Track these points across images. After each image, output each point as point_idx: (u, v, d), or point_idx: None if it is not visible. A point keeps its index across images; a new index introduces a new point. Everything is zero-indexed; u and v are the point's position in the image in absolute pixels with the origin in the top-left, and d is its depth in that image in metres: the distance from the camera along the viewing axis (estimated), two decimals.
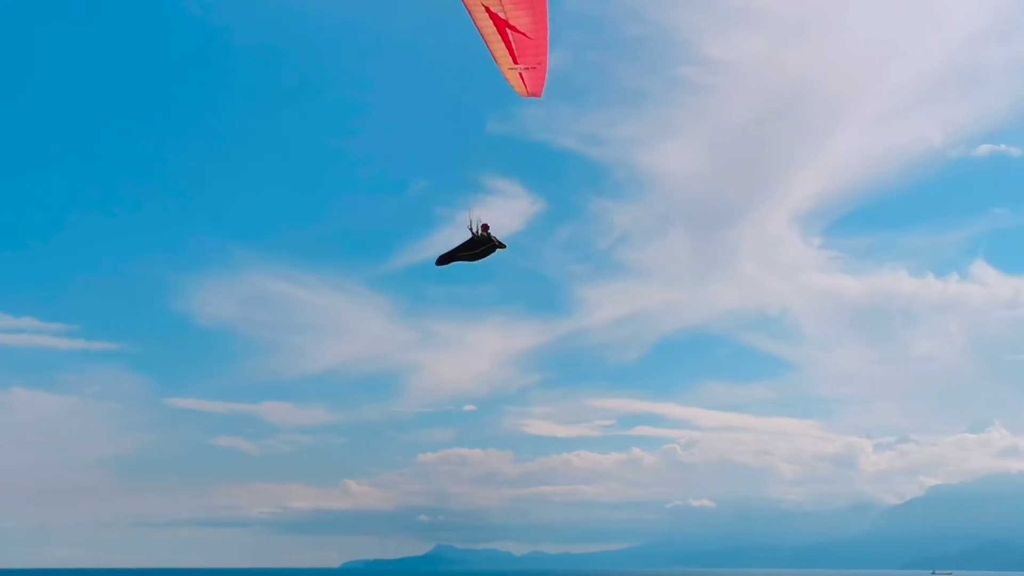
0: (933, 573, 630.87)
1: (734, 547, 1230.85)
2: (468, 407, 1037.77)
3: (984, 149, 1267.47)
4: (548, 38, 21.83)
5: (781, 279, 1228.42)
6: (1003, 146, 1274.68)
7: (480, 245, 24.21)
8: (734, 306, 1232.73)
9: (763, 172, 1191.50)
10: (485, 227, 24.26)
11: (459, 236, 28.44)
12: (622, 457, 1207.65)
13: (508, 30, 21.71)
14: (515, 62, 22.23)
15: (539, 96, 23.17)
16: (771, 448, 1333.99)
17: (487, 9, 21.64)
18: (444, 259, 24.78)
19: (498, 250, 24.42)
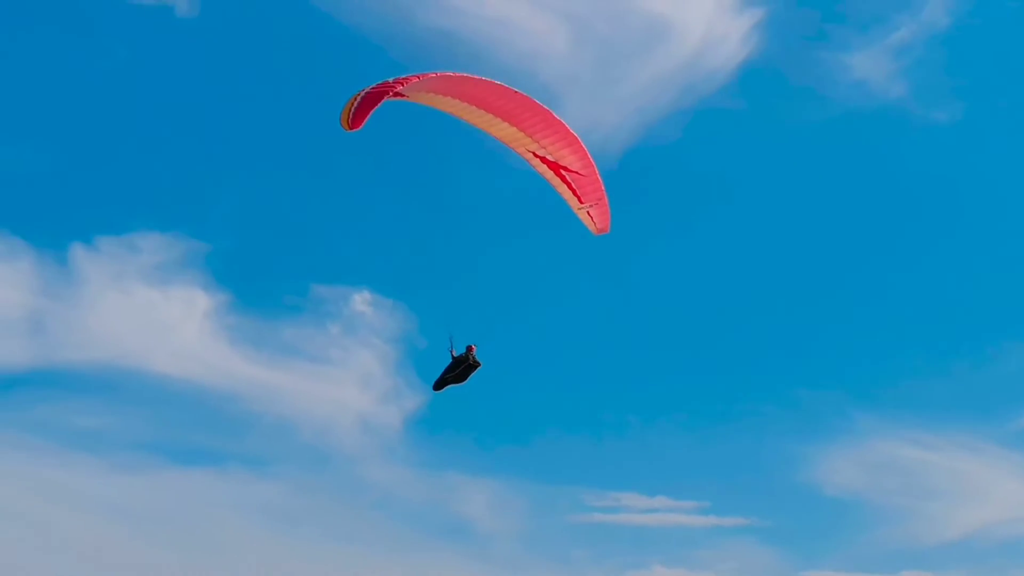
0: None
1: None
2: None
3: None
4: (598, 172, 22.19)
5: None
6: None
7: (459, 365, 23.68)
8: None
9: None
10: (470, 348, 23.70)
11: None
12: None
13: (562, 171, 22.25)
14: (581, 202, 22.66)
15: (607, 231, 23.26)
16: None
17: (534, 154, 22.18)
18: (437, 385, 24.22)
19: (476, 369, 23.89)
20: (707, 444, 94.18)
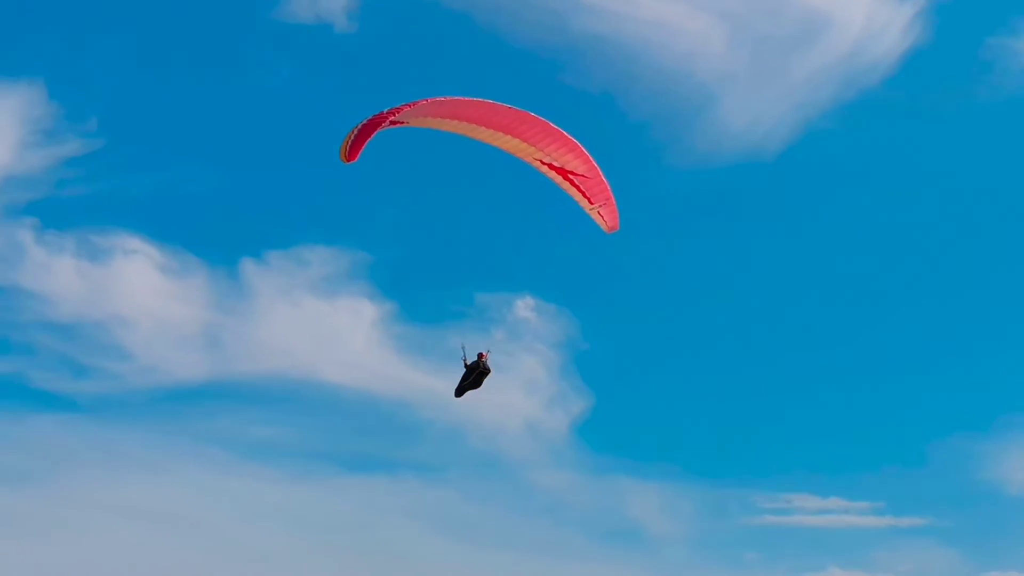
0: None
1: None
2: None
3: None
4: (603, 174, 23.04)
5: None
6: None
7: (473, 372, 25.39)
8: None
9: None
10: (482, 355, 25.45)
11: None
12: None
13: (570, 175, 23.09)
14: (591, 203, 23.52)
15: (617, 229, 24.05)
16: None
17: (541, 162, 23.09)
18: (458, 392, 26.09)
19: (488, 375, 25.35)
20: (881, 443, 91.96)
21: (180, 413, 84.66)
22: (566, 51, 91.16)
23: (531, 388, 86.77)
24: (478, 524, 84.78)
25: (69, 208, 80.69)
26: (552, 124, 22.22)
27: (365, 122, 21.66)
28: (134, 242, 77.40)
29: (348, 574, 77.04)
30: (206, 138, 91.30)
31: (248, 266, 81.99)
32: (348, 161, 21.98)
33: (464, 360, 25.22)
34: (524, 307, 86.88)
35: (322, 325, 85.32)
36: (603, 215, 23.85)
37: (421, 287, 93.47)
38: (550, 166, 23.09)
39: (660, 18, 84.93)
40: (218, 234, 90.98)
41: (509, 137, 22.64)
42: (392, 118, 21.59)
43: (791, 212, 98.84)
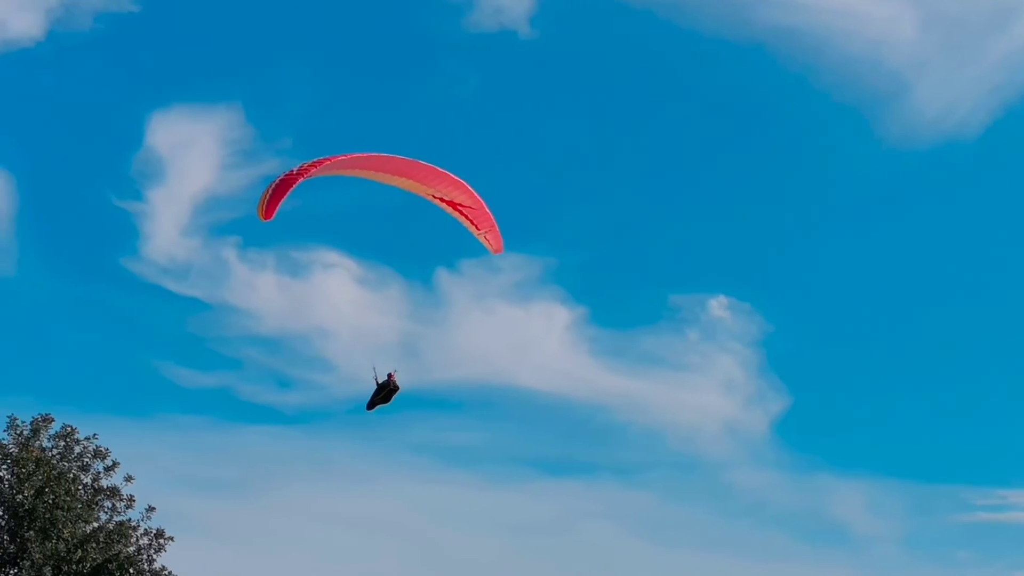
0: None
1: None
2: None
3: None
4: (486, 206, 26.58)
5: None
6: None
7: (383, 390, 27.92)
8: None
9: None
10: (391, 375, 27.90)
11: None
12: None
13: (458, 208, 26.52)
14: (478, 229, 27.04)
15: (502, 252, 27.98)
16: None
17: (433, 196, 26.51)
18: (369, 406, 28.50)
19: (397, 392, 28.25)
20: None
21: (381, 422, 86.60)
22: (751, 43, 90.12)
23: (728, 388, 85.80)
24: (678, 526, 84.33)
25: (268, 226, 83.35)
26: (440, 168, 25.74)
27: (278, 181, 24.51)
28: (332, 256, 79.58)
29: None
30: (396, 150, 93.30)
31: (442, 275, 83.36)
32: (265, 219, 24.76)
33: (376, 379, 27.69)
34: (718, 306, 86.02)
35: (516, 331, 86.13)
36: (488, 239, 27.15)
37: (613, 290, 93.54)
38: (441, 199, 26.31)
39: (847, 6, 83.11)
40: (412, 245, 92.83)
41: (405, 179, 26.07)
42: (303, 178, 24.57)
43: (997, 196, 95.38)
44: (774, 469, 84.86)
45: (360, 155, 25.92)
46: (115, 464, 38.53)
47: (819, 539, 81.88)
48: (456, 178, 26.16)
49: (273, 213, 24.61)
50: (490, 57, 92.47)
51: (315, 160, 24.76)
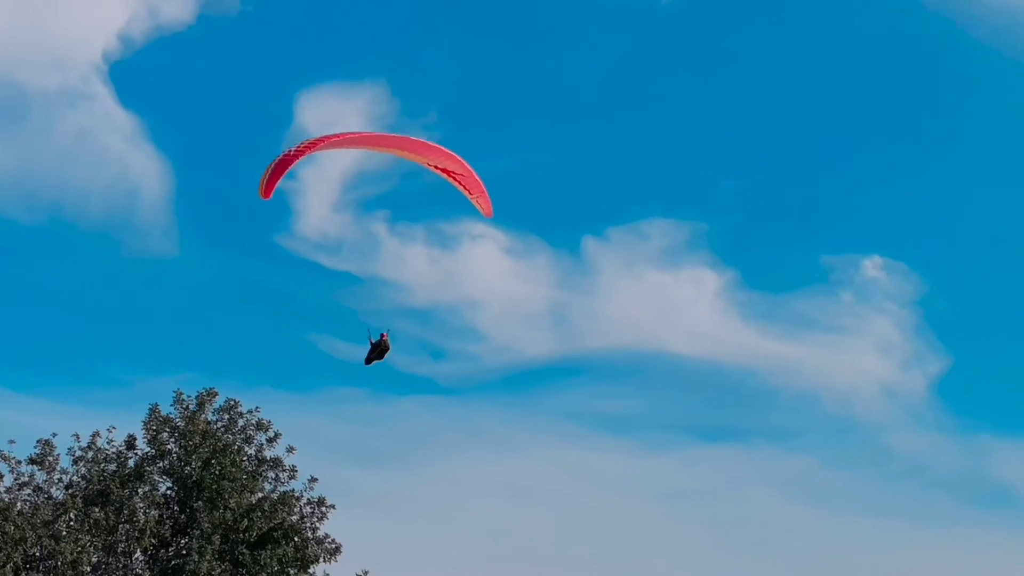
0: None
1: None
2: None
3: None
4: (473, 171, 28.41)
5: None
6: None
7: (376, 349, 29.74)
8: None
9: None
10: (383, 335, 29.72)
11: None
12: None
13: (452, 175, 28.40)
14: (471, 194, 28.90)
15: (491, 216, 29.81)
16: None
17: (429, 164, 28.35)
18: (367, 361, 30.28)
19: (389, 351, 29.98)
20: None
21: (533, 390, 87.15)
22: (991, 21, 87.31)
23: (885, 350, 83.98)
24: (837, 491, 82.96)
25: (416, 199, 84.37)
26: (431, 142, 28.29)
27: (277, 160, 26.20)
28: (480, 227, 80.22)
29: (706, 543, 77.15)
30: (540, 121, 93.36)
31: (590, 243, 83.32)
32: (265, 198, 26.50)
33: (371, 340, 29.56)
34: (872, 267, 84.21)
35: (665, 297, 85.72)
36: (480, 203, 29.16)
37: (763, 253, 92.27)
38: (435, 167, 28.36)
39: None
40: (559, 214, 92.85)
41: (404, 152, 28.33)
42: (300, 157, 26.33)
43: None
44: (935, 431, 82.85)
45: (356, 134, 28.30)
46: (277, 436, 39.42)
47: (984, 502, 79.78)
48: (447, 150, 28.33)
49: (271, 192, 26.38)
50: (631, 23, 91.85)
51: (313, 139, 26.67)
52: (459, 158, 28.45)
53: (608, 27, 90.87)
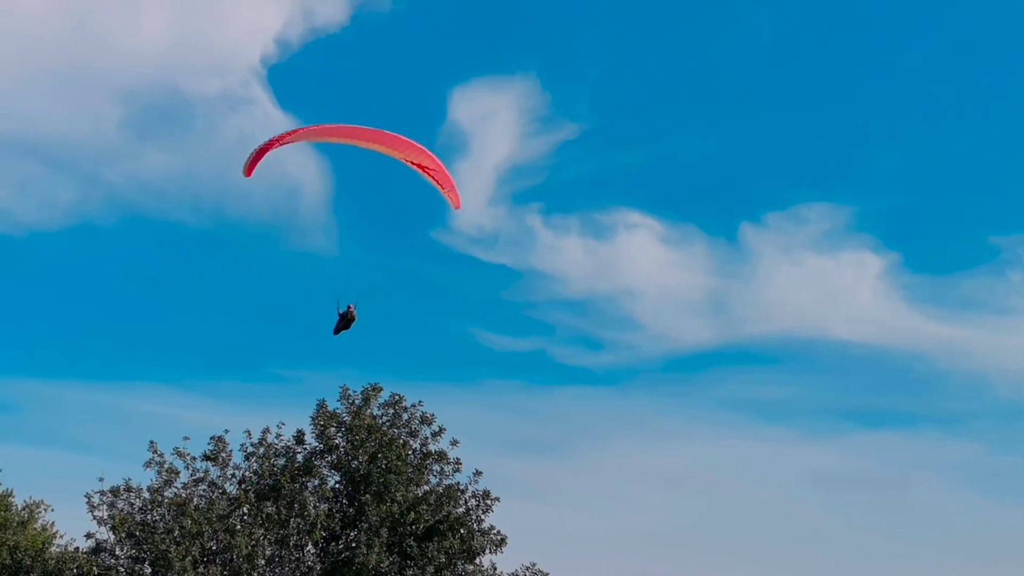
0: None
1: None
2: None
3: None
4: (444, 167, 30.48)
5: None
6: None
7: (343, 319, 31.83)
8: None
9: None
10: (350, 307, 31.79)
11: None
12: None
13: (425, 171, 30.33)
14: (443, 188, 30.83)
15: (460, 208, 31.51)
16: None
17: (404, 159, 30.16)
18: (336, 331, 32.15)
19: (355, 321, 32.00)
20: None
21: (692, 378, 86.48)
22: None
23: None
24: (1011, 476, 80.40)
25: (570, 190, 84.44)
26: (407, 138, 29.88)
27: (261, 146, 28.80)
28: (635, 216, 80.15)
29: (871, 531, 75.54)
30: (693, 107, 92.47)
31: (747, 229, 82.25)
32: (247, 176, 29.26)
33: (339, 311, 31.62)
34: None
35: (826, 281, 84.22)
36: (450, 196, 31.03)
37: (927, 235, 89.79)
38: (409, 162, 30.08)
39: None
40: (714, 201, 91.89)
41: (379, 146, 29.97)
42: (278, 144, 28.90)
43: None
44: None
45: (333, 126, 30.30)
46: (441, 429, 39.69)
47: None
48: (419, 145, 30.38)
49: (252, 172, 29.23)
50: (784, 2, 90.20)
51: (295, 129, 29.32)
52: (431, 153, 30.47)
53: (761, 7, 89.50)
